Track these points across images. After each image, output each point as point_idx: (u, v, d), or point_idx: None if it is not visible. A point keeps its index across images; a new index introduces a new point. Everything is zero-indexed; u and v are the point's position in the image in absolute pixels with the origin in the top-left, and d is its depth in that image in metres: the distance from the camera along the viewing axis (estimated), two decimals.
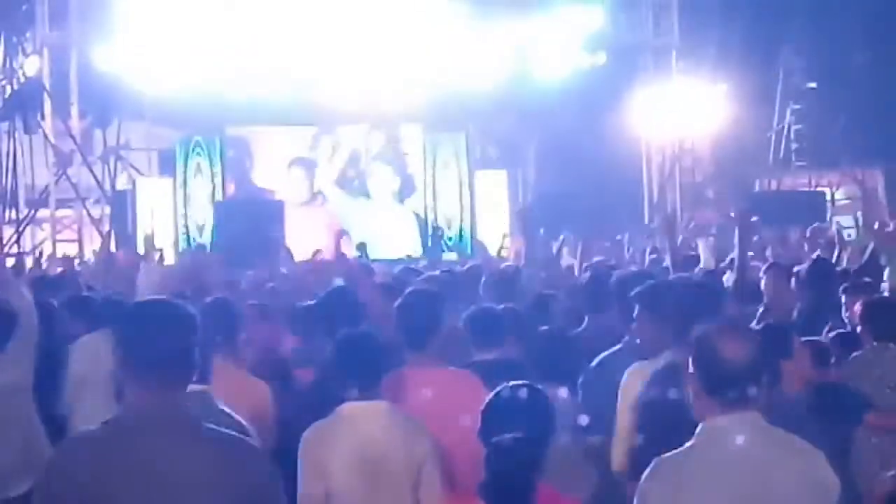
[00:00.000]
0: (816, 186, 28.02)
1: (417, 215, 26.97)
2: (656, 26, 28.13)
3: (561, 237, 13.55)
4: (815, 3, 26.92)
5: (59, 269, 18.73)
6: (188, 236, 25.49)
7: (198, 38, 24.80)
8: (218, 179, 25.93)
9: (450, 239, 26.62)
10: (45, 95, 24.58)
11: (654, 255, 16.15)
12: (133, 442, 3.98)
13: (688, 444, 4.34)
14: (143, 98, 25.27)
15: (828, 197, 26.73)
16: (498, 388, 4.89)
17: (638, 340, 6.56)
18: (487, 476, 4.65)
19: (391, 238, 26.16)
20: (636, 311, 6.52)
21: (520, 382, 4.90)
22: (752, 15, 27.05)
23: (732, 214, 12.94)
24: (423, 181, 27.22)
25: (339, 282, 10.05)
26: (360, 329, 6.17)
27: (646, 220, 28.20)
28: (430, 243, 25.66)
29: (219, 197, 25.67)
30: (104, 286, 11.35)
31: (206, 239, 24.94)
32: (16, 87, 24.74)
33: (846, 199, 28.04)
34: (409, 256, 22.88)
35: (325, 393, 6.15)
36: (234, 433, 4.18)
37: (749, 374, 4.34)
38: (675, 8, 27.87)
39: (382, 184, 26.87)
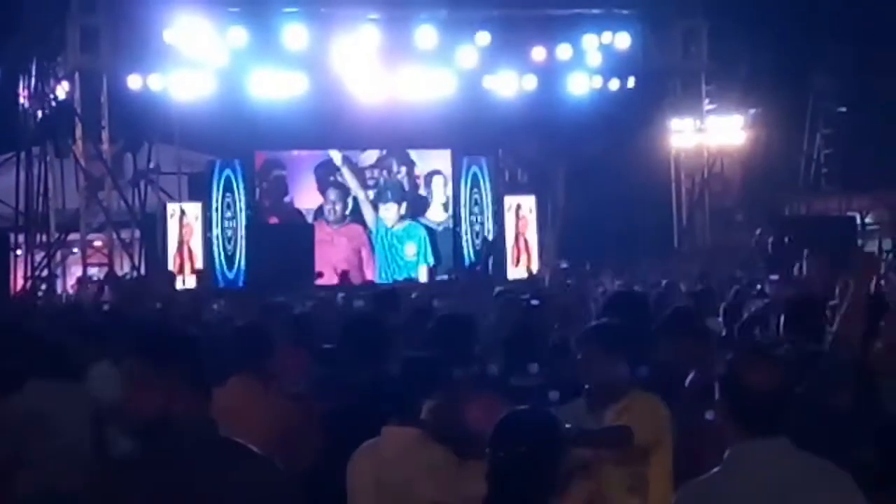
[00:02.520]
0: (847, 211, 27.89)
1: (431, 230, 27.10)
2: (685, 50, 28.11)
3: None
4: (846, 27, 26.85)
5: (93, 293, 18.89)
6: (218, 260, 25.59)
7: (227, 63, 24.95)
8: (246, 203, 26.03)
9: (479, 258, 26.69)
10: (77, 119, 24.74)
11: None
12: (170, 461, 4.01)
13: (715, 470, 4.33)
14: (173, 122, 25.42)
15: (858, 221, 26.62)
16: (510, 410, 4.91)
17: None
18: (490, 492, 4.67)
19: (404, 257, 26.85)
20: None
21: (532, 406, 4.93)
22: (782, 39, 27.00)
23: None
24: (452, 205, 27.30)
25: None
26: (411, 354, 6.12)
27: (675, 244, 28.17)
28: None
29: (248, 221, 25.78)
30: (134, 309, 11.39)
31: (236, 263, 25.18)
32: (47, 111, 24.87)
33: (876, 223, 27.94)
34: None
35: (358, 418, 6.15)
36: (253, 448, 4.19)
37: (776, 399, 4.33)
38: (705, 31, 27.85)
39: (394, 204, 27.11)
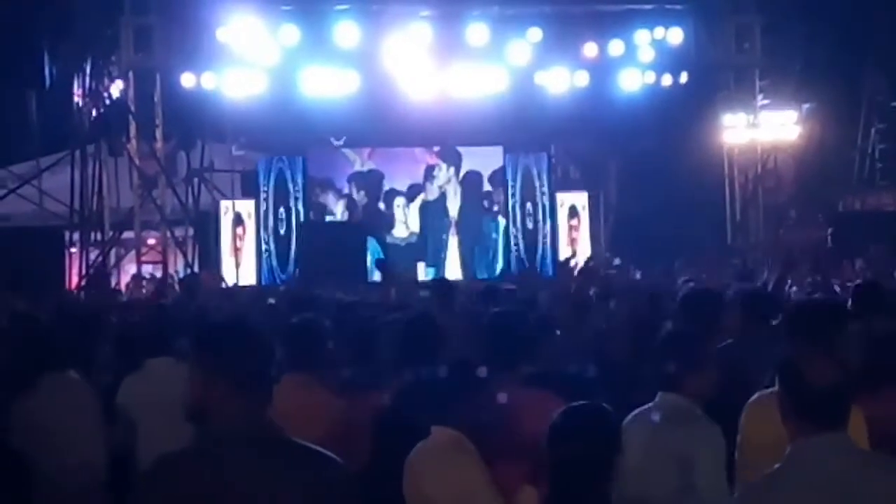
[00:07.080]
0: None
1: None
2: (738, 45, 27.90)
3: None
4: None
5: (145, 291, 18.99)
6: (271, 258, 25.73)
7: (279, 61, 25.01)
8: (300, 200, 26.17)
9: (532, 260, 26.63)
10: (130, 118, 24.88)
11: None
12: (225, 459, 4.01)
13: (777, 466, 4.31)
14: (225, 120, 25.54)
15: None
16: (566, 407, 4.89)
17: None
18: (551, 489, 4.66)
19: None
20: None
21: (588, 402, 4.91)
22: (835, 33, 26.82)
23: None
24: (505, 202, 27.28)
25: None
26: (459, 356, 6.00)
27: (728, 241, 28.02)
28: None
29: (301, 218, 25.90)
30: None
31: (289, 260, 25.28)
32: (102, 110, 25.03)
33: None
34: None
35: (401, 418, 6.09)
36: (320, 448, 4.19)
37: (836, 395, 4.31)
38: (758, 27, 27.65)
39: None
